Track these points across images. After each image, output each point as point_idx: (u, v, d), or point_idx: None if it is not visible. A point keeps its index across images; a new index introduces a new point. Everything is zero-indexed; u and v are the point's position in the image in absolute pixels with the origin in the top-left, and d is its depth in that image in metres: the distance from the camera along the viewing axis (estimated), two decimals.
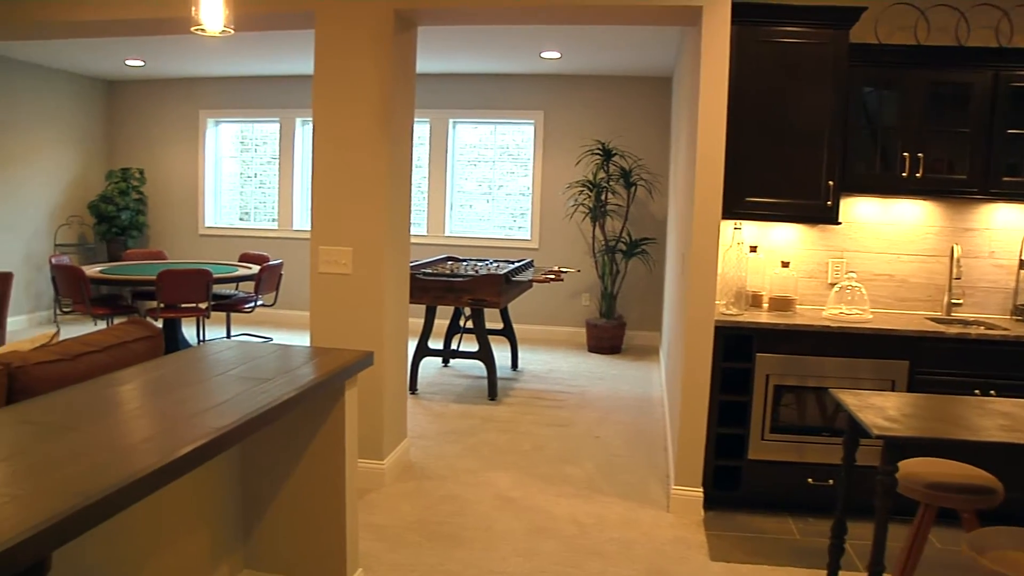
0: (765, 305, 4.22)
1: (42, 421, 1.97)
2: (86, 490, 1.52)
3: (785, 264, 4.17)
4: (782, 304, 4.11)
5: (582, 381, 6.64)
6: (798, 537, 3.63)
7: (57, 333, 2.88)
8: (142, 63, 8.34)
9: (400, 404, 4.49)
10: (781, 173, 3.87)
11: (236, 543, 2.92)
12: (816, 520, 3.80)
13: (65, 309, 6.63)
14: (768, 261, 4.27)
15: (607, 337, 7.85)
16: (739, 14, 3.70)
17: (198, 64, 8.41)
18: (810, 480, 3.82)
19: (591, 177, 8.03)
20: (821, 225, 4.25)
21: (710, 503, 3.91)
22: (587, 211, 8.08)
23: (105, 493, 1.52)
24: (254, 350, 2.91)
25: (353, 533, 2.90)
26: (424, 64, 7.95)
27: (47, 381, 2.38)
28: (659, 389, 6.39)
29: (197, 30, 2.87)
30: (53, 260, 6.69)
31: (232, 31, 2.91)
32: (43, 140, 8.83)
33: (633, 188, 8.00)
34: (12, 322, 8.33)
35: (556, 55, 7.18)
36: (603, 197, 7.95)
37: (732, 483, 3.91)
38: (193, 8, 2.83)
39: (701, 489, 3.85)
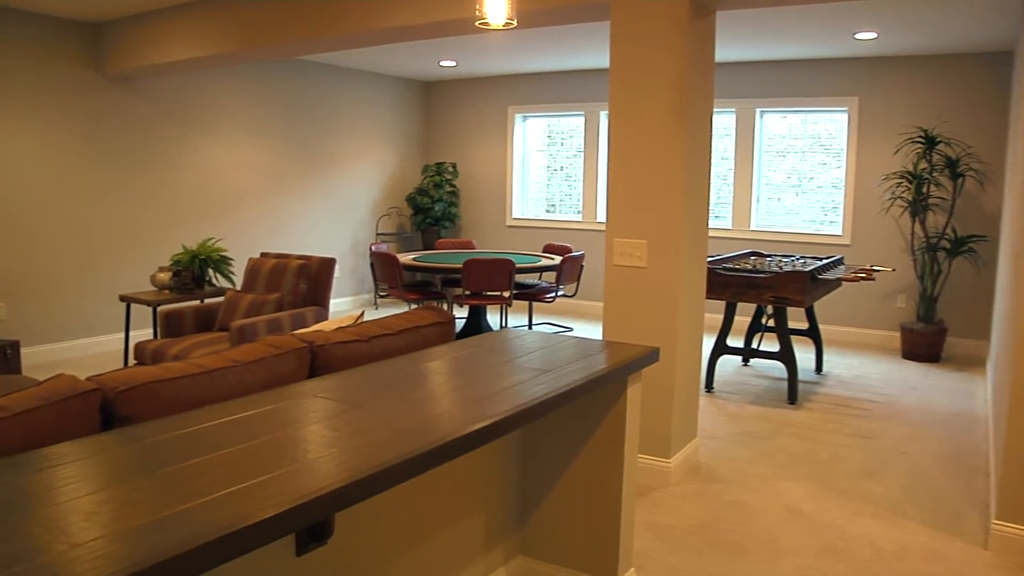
0: None
1: (336, 398, 2.16)
2: (376, 459, 1.69)
3: None
4: None
5: (892, 390, 6.12)
6: None
7: (361, 315, 3.14)
8: (454, 64, 8.91)
9: (691, 402, 4.39)
10: None
11: (512, 529, 3.02)
12: None
13: (382, 293, 7.27)
14: None
15: (924, 343, 7.16)
16: None
17: (506, 62, 8.81)
18: None
19: (911, 167, 7.36)
20: None
21: None
22: (906, 205, 7.41)
23: (391, 464, 1.68)
24: (540, 340, 2.98)
25: (628, 531, 2.87)
26: (728, 52, 7.72)
27: (344, 359, 2.60)
28: (983, 405, 5.71)
29: (481, 24, 2.98)
30: (372, 247, 7.33)
31: (515, 23, 2.99)
32: (367, 139, 9.76)
33: (960, 179, 7.21)
34: (339, 303, 9.29)
35: (872, 35, 6.63)
36: (924, 189, 7.25)
37: None
38: (477, 4, 2.94)
39: None
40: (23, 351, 6.54)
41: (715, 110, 8.53)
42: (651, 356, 2.83)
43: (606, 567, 2.85)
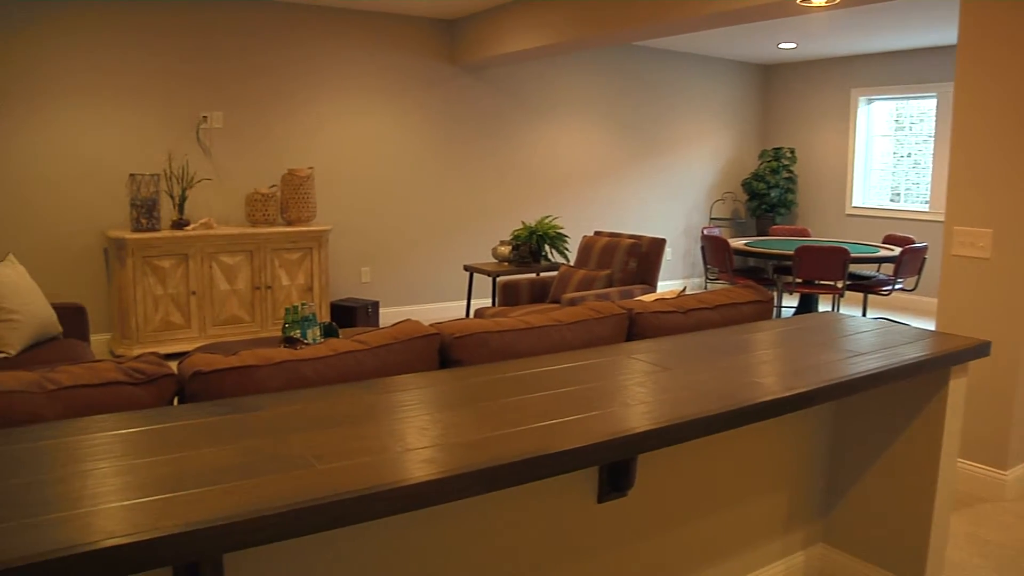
0: None
1: (648, 360, 2.32)
2: (675, 413, 1.85)
3: None
4: None
5: None
6: None
7: (683, 290, 3.25)
8: (794, 45, 8.62)
9: None
10: None
11: (816, 515, 2.97)
12: None
13: (711, 277, 7.30)
14: None
15: None
16: None
17: (849, 42, 8.36)
18: None
19: None
20: None
21: None
22: None
23: (687, 419, 1.83)
24: (857, 324, 2.92)
25: (939, 536, 2.72)
26: None
27: (660, 328, 2.76)
28: None
29: (803, 3, 2.94)
30: (704, 231, 7.37)
31: (838, 0, 2.91)
32: (702, 123, 9.77)
33: None
34: (669, 284, 9.44)
35: None
36: None
37: None
38: None
39: None
40: (381, 311, 7.45)
41: None
42: (979, 349, 2.65)
43: (913, 570, 2.72)
